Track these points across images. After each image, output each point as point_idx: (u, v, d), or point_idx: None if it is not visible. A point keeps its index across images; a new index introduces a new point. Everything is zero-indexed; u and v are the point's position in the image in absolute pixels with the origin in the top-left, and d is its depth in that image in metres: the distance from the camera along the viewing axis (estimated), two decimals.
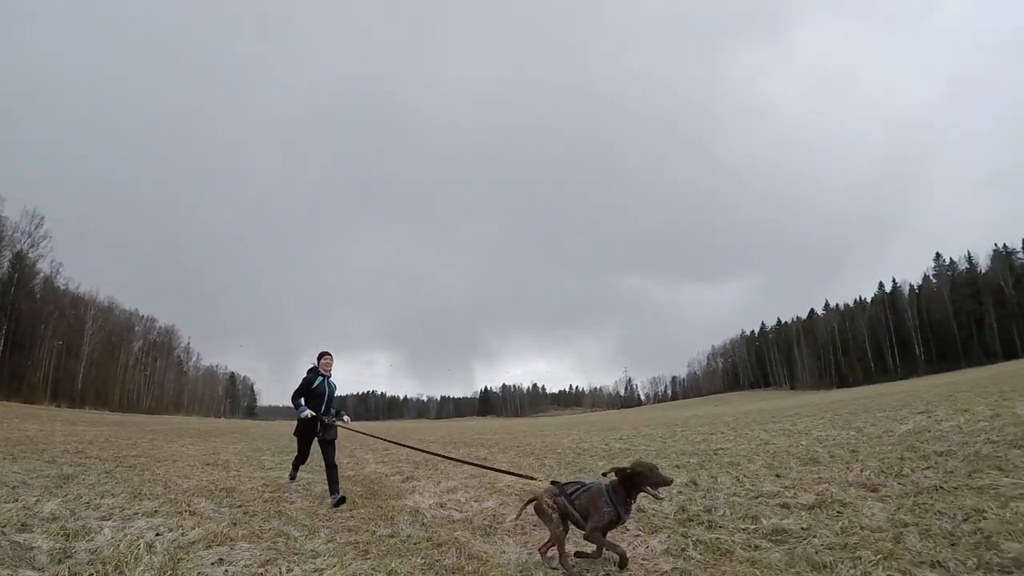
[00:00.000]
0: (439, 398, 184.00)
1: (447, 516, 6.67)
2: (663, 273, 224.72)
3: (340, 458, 8.80)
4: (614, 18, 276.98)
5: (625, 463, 4.86)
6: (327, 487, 7.79)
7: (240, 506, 7.16)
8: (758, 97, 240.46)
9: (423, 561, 4.77)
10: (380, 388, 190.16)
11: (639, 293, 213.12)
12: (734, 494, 6.84)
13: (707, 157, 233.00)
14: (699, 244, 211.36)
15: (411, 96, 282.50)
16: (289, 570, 4.47)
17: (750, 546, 4.82)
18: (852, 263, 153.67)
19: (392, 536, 5.64)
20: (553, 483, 4.99)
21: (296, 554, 4.96)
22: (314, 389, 7.98)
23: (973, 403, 14.45)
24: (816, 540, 4.75)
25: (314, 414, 7.84)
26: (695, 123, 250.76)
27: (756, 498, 6.47)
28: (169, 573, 4.24)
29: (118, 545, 4.75)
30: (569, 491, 4.78)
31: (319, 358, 8.24)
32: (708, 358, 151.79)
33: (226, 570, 4.41)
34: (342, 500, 7.45)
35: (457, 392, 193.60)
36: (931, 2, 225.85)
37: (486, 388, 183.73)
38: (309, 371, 8.21)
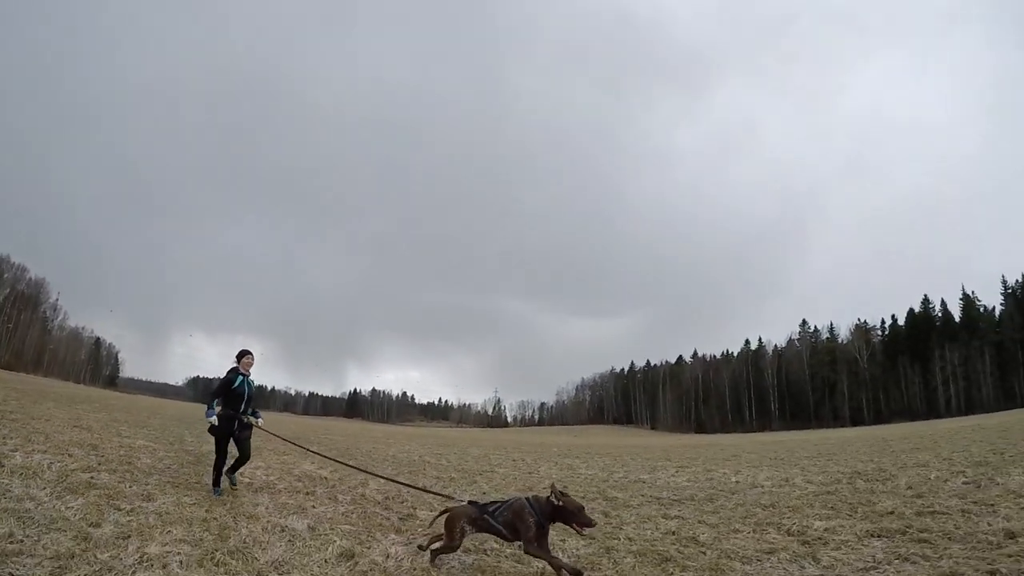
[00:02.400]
0: (307, 393, 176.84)
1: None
2: (546, 301, 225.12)
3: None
4: (541, 44, 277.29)
5: (561, 494, 5.13)
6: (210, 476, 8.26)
7: (102, 456, 9.90)
8: (668, 145, 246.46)
9: (228, 509, 7.52)
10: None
11: (521, 317, 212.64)
12: None
13: (607, 194, 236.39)
14: (585, 277, 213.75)
15: (310, 85, 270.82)
16: (133, 483, 7.77)
17: None
18: (727, 316, 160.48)
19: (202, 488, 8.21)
20: (471, 503, 5.46)
21: (138, 482, 8.00)
22: (234, 389, 8.03)
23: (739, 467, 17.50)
24: None
25: (216, 424, 7.82)
26: (602, 159, 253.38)
27: None
28: (63, 480, 7.24)
29: (30, 464, 7.80)
30: (491, 509, 5.24)
31: (239, 357, 8.26)
32: (577, 389, 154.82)
33: (94, 481, 7.47)
34: (234, 481, 8.14)
35: (327, 390, 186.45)
36: (842, 86, 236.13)
37: (356, 390, 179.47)
38: (229, 371, 8.21)
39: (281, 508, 7.43)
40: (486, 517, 5.21)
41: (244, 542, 5.56)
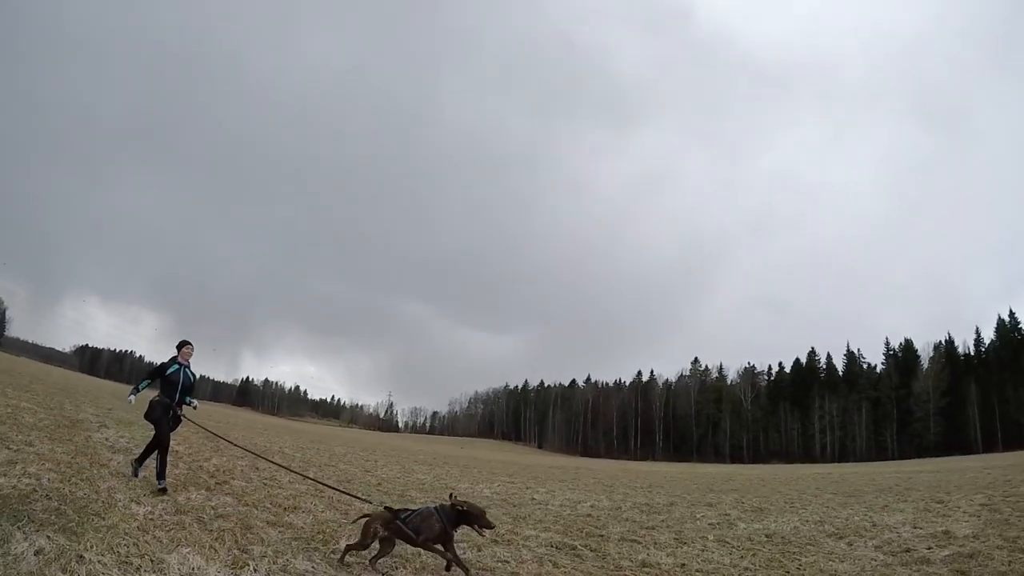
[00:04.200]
0: (198, 376, 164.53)
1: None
2: (449, 309, 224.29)
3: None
4: (479, 56, 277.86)
5: (462, 500, 5.84)
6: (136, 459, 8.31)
7: None
8: (588, 175, 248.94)
9: (90, 460, 9.69)
10: (140, 351, 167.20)
11: (421, 322, 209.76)
12: None
13: (522, 213, 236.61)
14: (489, 291, 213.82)
15: (238, 60, 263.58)
16: (19, 432, 9.52)
17: None
18: (622, 346, 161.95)
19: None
20: (387, 509, 5.83)
21: (23, 433, 9.96)
22: (168, 376, 8.06)
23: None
24: None
25: (133, 400, 8.03)
26: (521, 178, 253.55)
27: None
28: None
29: None
30: (403, 516, 5.62)
31: (179, 347, 8.39)
32: (470, 401, 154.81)
33: None
34: (164, 491, 7.43)
35: (219, 375, 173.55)
36: (762, 145, 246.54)
37: (248, 378, 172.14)
38: (170, 359, 8.28)
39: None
40: (398, 523, 5.57)
41: (96, 471, 7.76)
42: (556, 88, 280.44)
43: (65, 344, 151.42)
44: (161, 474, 7.65)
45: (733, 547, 8.53)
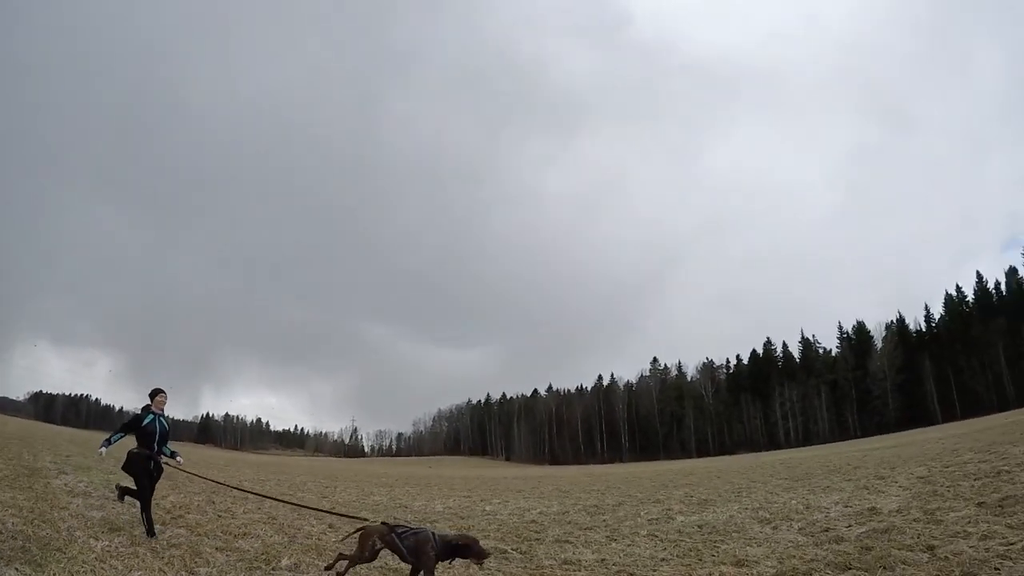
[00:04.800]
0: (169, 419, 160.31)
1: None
2: (407, 329, 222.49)
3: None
4: (424, 69, 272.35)
5: (455, 535, 5.93)
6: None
7: None
8: (539, 185, 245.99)
9: (49, 504, 9.83)
10: (96, 394, 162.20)
11: (381, 344, 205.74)
12: None
13: (475, 225, 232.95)
14: (447, 306, 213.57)
15: (186, 85, 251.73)
16: None
17: None
18: (581, 352, 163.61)
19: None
20: (384, 523, 6.01)
21: None
22: (144, 427, 7.92)
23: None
24: None
25: (103, 453, 7.91)
26: (474, 191, 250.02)
27: None
28: None
29: None
30: (399, 531, 5.74)
31: (152, 396, 8.22)
32: (434, 420, 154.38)
33: None
34: (122, 498, 8.24)
35: (178, 413, 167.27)
36: (708, 146, 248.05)
37: (208, 414, 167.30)
38: (142, 408, 8.15)
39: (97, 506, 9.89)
40: (394, 536, 5.69)
41: (57, 513, 8.09)
42: (500, 100, 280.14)
43: (19, 392, 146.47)
44: (150, 531, 7.68)
45: (661, 540, 8.98)
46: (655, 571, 6.94)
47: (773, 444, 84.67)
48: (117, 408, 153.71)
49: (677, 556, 7.63)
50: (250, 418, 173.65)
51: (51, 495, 10.28)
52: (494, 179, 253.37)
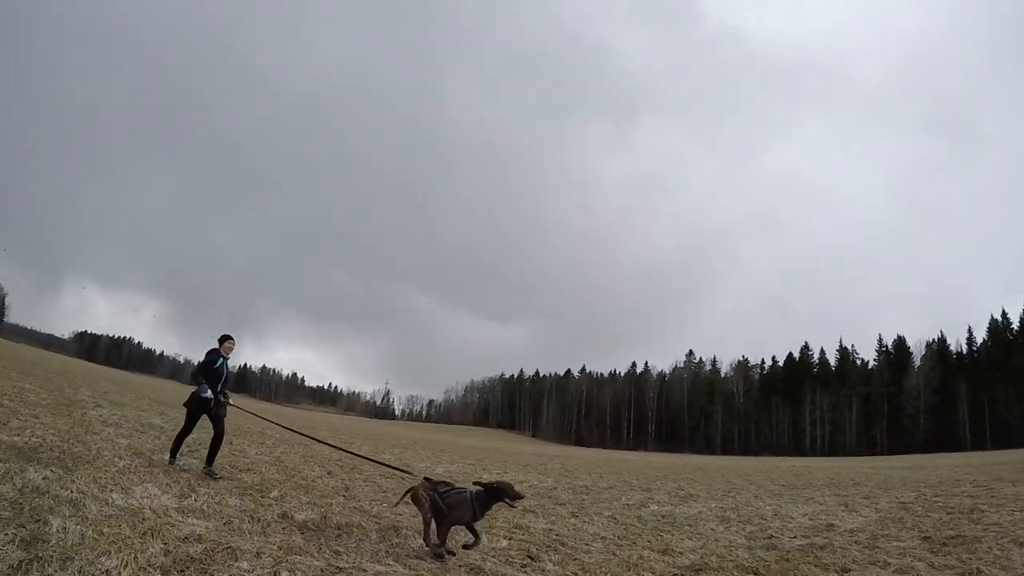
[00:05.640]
0: (195, 362, 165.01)
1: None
2: (449, 298, 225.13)
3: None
4: (484, 52, 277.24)
5: (490, 479, 6.44)
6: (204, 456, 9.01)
7: (2, 392, 14.01)
8: (594, 170, 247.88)
9: (102, 437, 11.95)
10: (139, 337, 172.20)
11: (421, 312, 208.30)
12: None
13: (526, 205, 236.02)
14: (489, 280, 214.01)
15: (247, 57, 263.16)
16: (26, 408, 11.81)
17: None
18: (619, 337, 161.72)
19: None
20: (426, 479, 6.30)
21: (29, 408, 12.33)
22: (215, 369, 8.54)
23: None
24: None
25: (213, 396, 8.45)
26: (527, 171, 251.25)
27: None
28: None
29: None
30: (441, 489, 5.98)
31: (221, 341, 8.77)
32: (466, 390, 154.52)
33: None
34: (214, 474, 8.46)
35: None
36: (768, 146, 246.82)
37: (246, 365, 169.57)
38: (210, 351, 8.68)
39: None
40: (435, 494, 5.92)
41: (90, 437, 9.65)
42: (562, 85, 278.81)
43: (64, 330, 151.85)
44: (211, 459, 8.64)
45: (616, 522, 9.57)
46: (588, 546, 7.43)
47: (798, 450, 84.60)
48: (158, 352, 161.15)
49: (617, 537, 8.20)
50: (287, 372, 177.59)
51: (87, 423, 11.63)
52: (551, 160, 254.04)
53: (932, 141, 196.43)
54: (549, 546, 7.04)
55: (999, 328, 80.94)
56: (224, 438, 8.84)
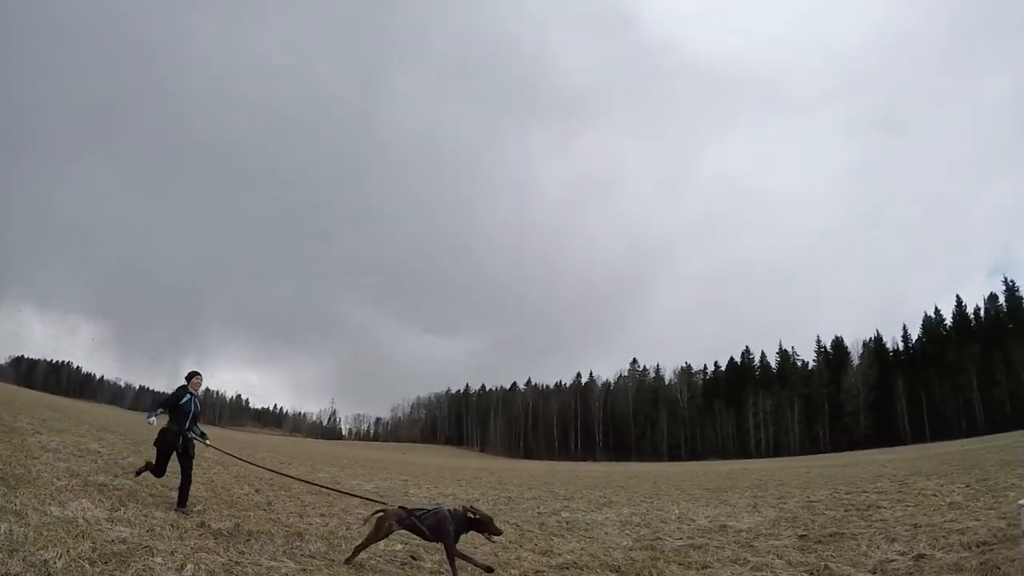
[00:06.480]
0: (138, 387, 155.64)
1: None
2: (393, 313, 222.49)
3: None
4: (426, 55, 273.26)
5: (475, 510, 6.57)
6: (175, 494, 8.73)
7: None
8: (532, 178, 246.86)
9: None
10: (77, 361, 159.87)
11: (366, 327, 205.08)
12: None
13: (466, 215, 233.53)
14: (432, 293, 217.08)
15: (181, 45, 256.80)
16: None
17: None
18: (562, 348, 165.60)
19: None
20: (401, 508, 6.60)
21: None
22: (181, 405, 8.52)
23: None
24: None
25: (154, 421, 8.69)
26: (466, 180, 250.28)
27: None
28: None
29: None
30: (418, 514, 6.35)
31: (189, 378, 8.77)
32: (412, 407, 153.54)
33: None
34: (186, 513, 8.20)
35: (159, 385, 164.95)
36: (706, 149, 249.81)
37: None
38: (178, 388, 8.66)
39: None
40: (413, 519, 6.31)
41: (30, 462, 9.78)
42: (501, 90, 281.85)
43: (0, 356, 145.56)
44: (182, 501, 8.43)
45: (517, 528, 10.30)
46: (475, 548, 7.53)
47: (743, 453, 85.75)
48: (98, 377, 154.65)
49: (508, 541, 8.64)
50: (230, 394, 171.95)
51: (27, 448, 12.08)
52: (489, 169, 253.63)
53: (866, 143, 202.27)
54: (437, 549, 7.14)
55: (933, 325, 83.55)
56: (191, 478, 8.73)
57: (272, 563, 6.08)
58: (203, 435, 8.94)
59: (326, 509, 10.63)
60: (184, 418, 8.49)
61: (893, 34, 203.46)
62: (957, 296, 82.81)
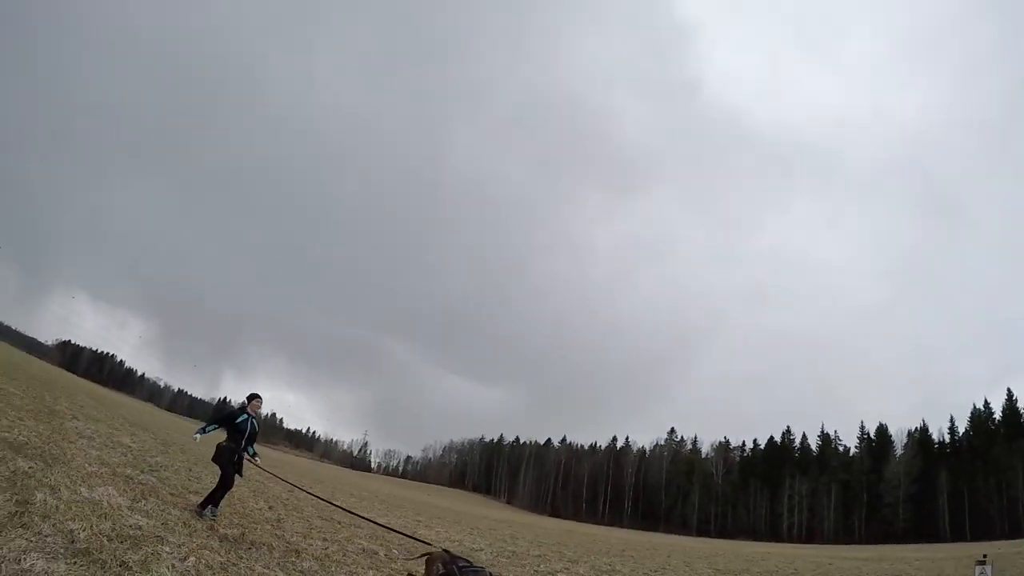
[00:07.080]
0: (177, 389, 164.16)
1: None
2: (435, 354, 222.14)
3: None
4: (488, 106, 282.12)
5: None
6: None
7: None
8: (586, 237, 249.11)
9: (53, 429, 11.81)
10: (122, 355, 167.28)
11: (407, 364, 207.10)
12: None
13: (516, 266, 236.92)
14: (475, 340, 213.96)
15: (255, 74, 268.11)
16: (10, 411, 11.56)
17: None
18: (600, 409, 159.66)
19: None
20: (446, 551, 6.26)
21: (15, 410, 11.87)
22: (237, 424, 8.83)
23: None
24: None
25: (198, 439, 9.08)
26: (519, 233, 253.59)
27: None
28: None
29: None
30: (460, 564, 5.72)
31: (250, 399, 9.23)
32: (444, 450, 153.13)
33: None
34: (214, 516, 8.70)
35: (198, 391, 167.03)
36: (761, 222, 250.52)
37: (226, 398, 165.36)
38: (237, 408, 9.28)
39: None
40: (455, 568, 5.68)
41: (67, 444, 10.41)
42: (563, 147, 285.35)
43: (48, 336, 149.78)
44: (216, 502, 8.83)
45: None
46: None
47: (774, 535, 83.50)
48: (139, 373, 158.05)
49: None
50: (265, 411, 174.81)
51: (64, 431, 13.06)
52: (546, 223, 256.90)
53: (922, 222, 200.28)
54: None
55: (981, 418, 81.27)
56: (231, 490, 9.19)
57: (265, 571, 6.83)
58: (255, 455, 9.27)
59: (330, 535, 11.09)
60: (240, 437, 8.80)
61: (954, 111, 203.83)
62: (1008, 389, 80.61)
